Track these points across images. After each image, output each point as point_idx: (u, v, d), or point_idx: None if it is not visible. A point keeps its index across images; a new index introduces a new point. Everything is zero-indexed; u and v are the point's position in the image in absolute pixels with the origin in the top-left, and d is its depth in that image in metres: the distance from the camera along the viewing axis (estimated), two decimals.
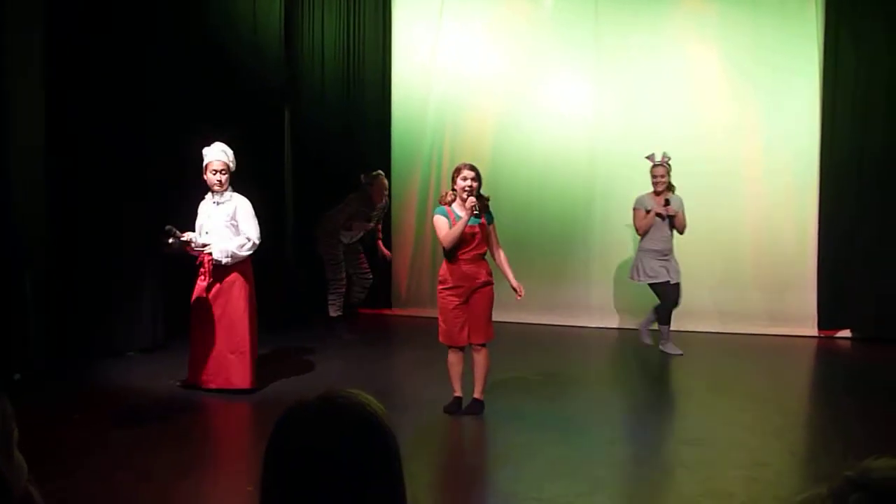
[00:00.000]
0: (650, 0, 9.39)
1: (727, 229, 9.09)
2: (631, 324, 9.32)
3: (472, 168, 5.98)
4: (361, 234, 8.74)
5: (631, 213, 8.23)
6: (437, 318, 6.15)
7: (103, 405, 6.20)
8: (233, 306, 6.45)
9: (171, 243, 6.35)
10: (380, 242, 9.14)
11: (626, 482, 5.05)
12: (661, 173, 7.95)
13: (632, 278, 8.18)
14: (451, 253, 5.96)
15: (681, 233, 8.03)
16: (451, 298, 5.98)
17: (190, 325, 6.59)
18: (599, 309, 9.49)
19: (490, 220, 6.08)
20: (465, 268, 5.96)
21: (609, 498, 4.73)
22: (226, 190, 6.48)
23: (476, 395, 6.11)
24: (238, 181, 6.61)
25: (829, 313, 8.98)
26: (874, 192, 8.78)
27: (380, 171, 8.74)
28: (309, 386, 6.66)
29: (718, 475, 4.98)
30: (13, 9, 6.77)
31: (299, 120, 10.02)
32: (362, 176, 8.61)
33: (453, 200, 6.01)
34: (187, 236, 6.43)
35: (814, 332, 9.00)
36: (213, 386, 6.49)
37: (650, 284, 8.03)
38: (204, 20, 8.61)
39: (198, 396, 6.47)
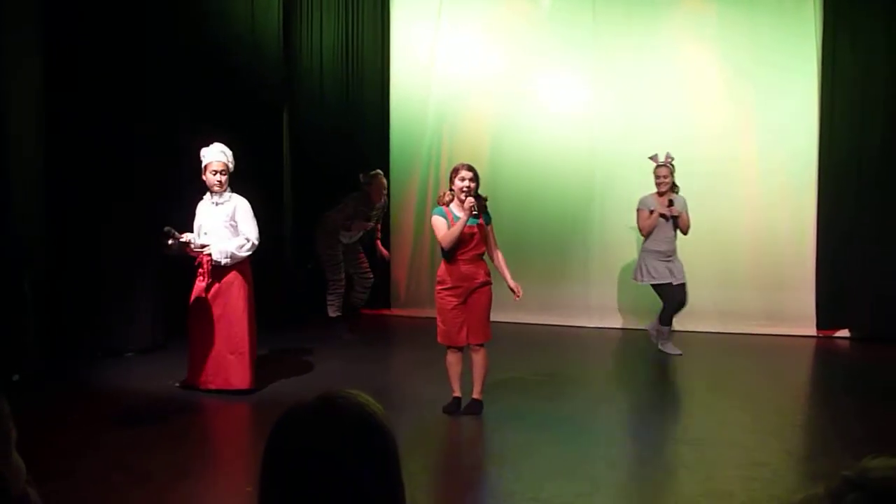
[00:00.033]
0: (648, 0, 9.40)
1: (726, 229, 9.09)
2: (630, 324, 9.35)
3: (470, 168, 5.98)
4: (361, 233, 8.73)
5: (629, 212, 8.23)
6: (435, 319, 6.15)
7: (101, 406, 6.20)
8: (232, 307, 6.44)
9: (171, 245, 6.35)
10: (378, 242, 9.14)
11: (625, 482, 5.05)
12: (664, 174, 7.93)
13: (635, 279, 8.17)
14: (450, 253, 5.96)
15: (684, 233, 8.01)
16: (450, 299, 5.98)
17: (189, 326, 6.58)
18: (598, 309, 9.49)
19: (488, 220, 6.07)
20: (464, 268, 5.95)
21: (608, 498, 4.73)
22: (225, 190, 6.48)
23: (475, 396, 6.12)
24: (236, 182, 6.60)
25: (827, 313, 8.98)
26: (873, 191, 8.79)
27: (378, 171, 8.74)
28: (308, 386, 6.66)
29: (717, 475, 4.98)
30: (10, 9, 6.76)
31: (297, 120, 10.02)
32: (361, 175, 8.61)
33: (451, 201, 6.01)
34: (186, 237, 6.43)
35: (812, 331, 9.01)
36: (212, 387, 6.49)
37: (653, 285, 8.02)
38: (201, 20, 8.60)
39: (196, 397, 6.47)
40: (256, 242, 6.48)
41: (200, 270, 6.46)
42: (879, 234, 8.76)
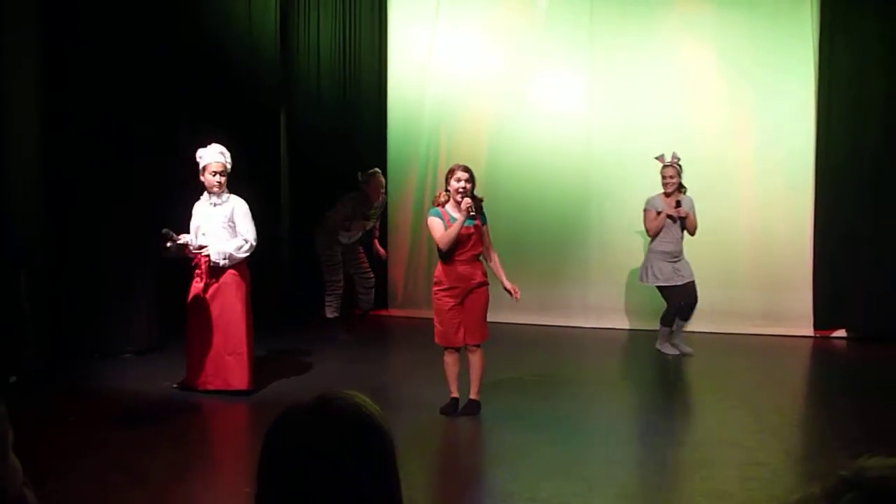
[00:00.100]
0: (644, 0, 9.41)
1: (723, 229, 9.09)
2: (628, 325, 9.35)
3: (466, 169, 5.98)
4: (360, 234, 8.73)
5: (627, 212, 8.23)
6: (433, 319, 6.15)
7: (99, 407, 6.19)
8: (229, 307, 6.44)
9: (169, 247, 6.34)
10: (376, 241, 9.14)
11: (623, 482, 5.05)
12: (670, 174, 7.90)
13: (641, 280, 8.16)
14: (447, 254, 5.96)
15: (692, 234, 7.99)
16: (447, 299, 5.98)
17: (187, 327, 6.58)
18: (596, 309, 9.48)
19: (483, 220, 6.07)
20: (461, 269, 5.96)
21: (605, 498, 4.73)
22: (223, 191, 6.47)
23: (472, 396, 6.12)
24: (233, 182, 6.60)
25: (824, 313, 8.99)
26: (869, 192, 8.80)
27: (376, 169, 8.74)
28: (306, 387, 6.66)
29: (715, 474, 4.99)
30: (9, 9, 6.76)
31: (295, 121, 10.01)
32: (359, 174, 8.61)
33: (447, 201, 6.01)
34: (183, 238, 6.42)
35: (809, 331, 9.01)
36: (210, 387, 6.48)
37: (658, 287, 8.00)
38: (199, 21, 8.61)
39: (193, 398, 6.46)
40: (254, 243, 6.47)
41: (198, 271, 6.46)
42: (876, 235, 8.77)
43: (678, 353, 8.01)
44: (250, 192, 6.78)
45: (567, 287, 9.54)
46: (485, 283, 6.03)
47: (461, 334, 5.99)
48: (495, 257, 6.19)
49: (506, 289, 6.12)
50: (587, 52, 9.50)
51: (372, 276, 9.04)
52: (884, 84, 8.73)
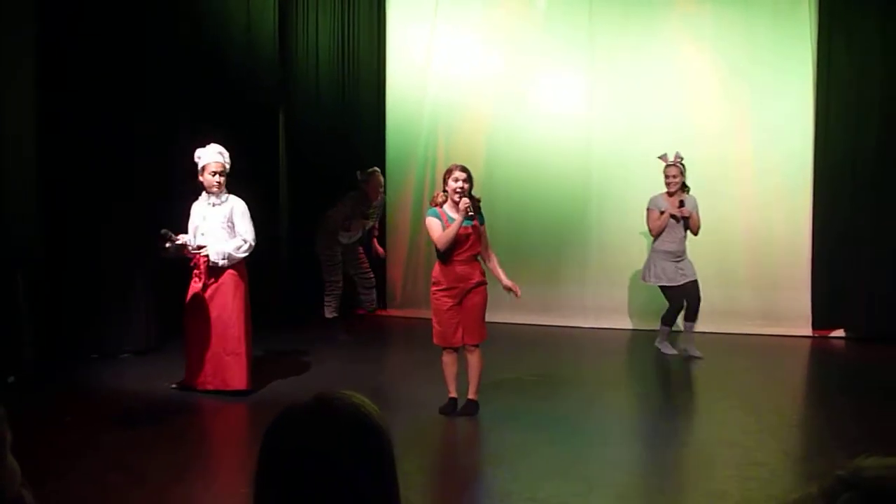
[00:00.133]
0: (644, 1, 9.41)
1: (722, 229, 9.09)
2: (627, 325, 9.35)
3: (464, 169, 5.97)
4: (360, 234, 8.73)
5: (627, 212, 8.23)
6: (431, 320, 6.15)
7: (97, 407, 6.19)
8: (228, 308, 6.43)
9: (168, 247, 6.34)
10: (375, 240, 9.13)
11: (621, 482, 5.05)
12: (673, 173, 7.89)
13: (644, 279, 8.15)
14: (445, 254, 5.96)
15: (695, 234, 7.97)
16: (445, 299, 5.98)
17: (185, 327, 6.57)
18: (595, 309, 9.48)
19: (481, 220, 6.07)
20: (459, 269, 5.95)
21: (604, 498, 4.73)
22: (222, 191, 6.47)
23: (471, 396, 6.12)
24: (232, 183, 6.60)
25: (823, 313, 9.00)
26: (868, 192, 8.81)
27: (375, 168, 8.73)
28: (304, 387, 6.65)
29: (713, 474, 4.99)
30: (5, 10, 6.75)
31: (293, 121, 10.02)
32: (358, 173, 8.60)
33: (444, 202, 6.00)
34: (182, 239, 6.42)
35: (808, 331, 9.02)
36: (209, 387, 6.48)
37: (661, 287, 8.00)
38: (197, 21, 8.60)
39: (192, 398, 6.46)
40: (253, 243, 6.47)
41: (196, 271, 6.45)
42: (874, 235, 8.78)
43: (676, 352, 8.00)
44: (249, 191, 6.78)
45: (566, 287, 9.54)
46: (483, 283, 6.03)
47: (460, 334, 5.99)
48: (493, 257, 6.19)
49: (505, 287, 6.11)
50: (586, 53, 9.50)
51: (372, 275, 9.04)
52: (882, 84, 8.74)
